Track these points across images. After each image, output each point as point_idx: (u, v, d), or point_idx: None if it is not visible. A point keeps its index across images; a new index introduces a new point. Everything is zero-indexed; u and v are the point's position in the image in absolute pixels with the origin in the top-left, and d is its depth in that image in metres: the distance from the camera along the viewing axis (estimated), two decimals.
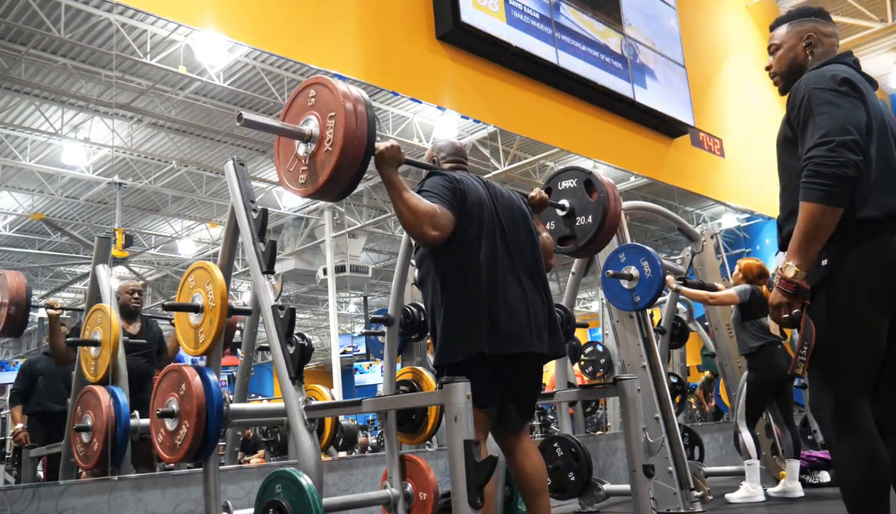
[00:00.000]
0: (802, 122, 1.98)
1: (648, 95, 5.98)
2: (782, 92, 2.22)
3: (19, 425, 4.12)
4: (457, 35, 4.54)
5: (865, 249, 1.93)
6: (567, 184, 3.06)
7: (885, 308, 1.94)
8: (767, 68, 2.28)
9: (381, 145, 2.18)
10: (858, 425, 1.88)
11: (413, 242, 3.45)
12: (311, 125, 2.16)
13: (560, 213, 3.03)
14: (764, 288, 4.44)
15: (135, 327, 4.17)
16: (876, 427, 1.96)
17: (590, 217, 2.98)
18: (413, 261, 3.62)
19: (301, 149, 2.19)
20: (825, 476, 4.64)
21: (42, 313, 4.39)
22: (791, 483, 4.25)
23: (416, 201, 2.18)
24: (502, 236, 2.37)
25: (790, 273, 1.90)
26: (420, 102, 6.44)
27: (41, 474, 4.24)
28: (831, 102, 1.93)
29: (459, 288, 2.27)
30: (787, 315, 1.93)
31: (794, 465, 4.29)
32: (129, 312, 4.17)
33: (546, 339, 2.37)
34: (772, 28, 2.28)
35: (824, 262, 1.96)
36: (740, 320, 4.48)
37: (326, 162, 2.10)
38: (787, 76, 2.19)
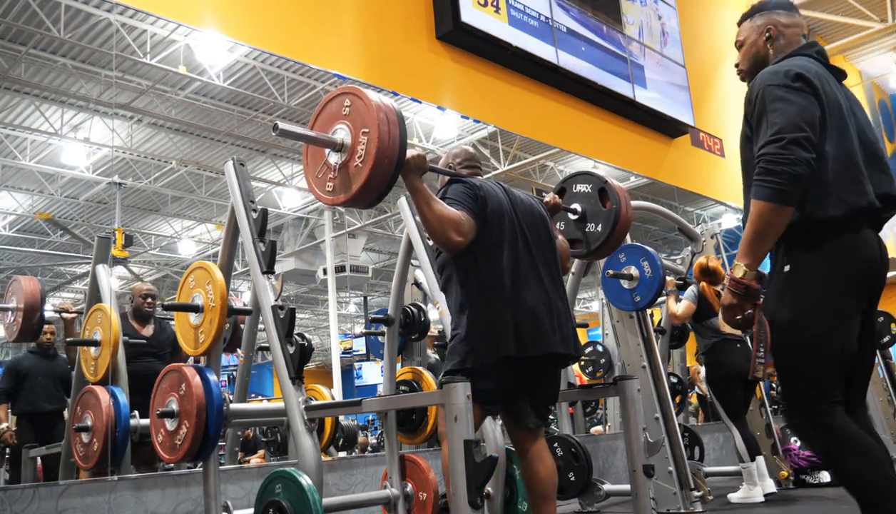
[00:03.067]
0: (757, 119, 1.94)
1: (648, 95, 5.98)
2: None
3: (4, 425, 4.11)
4: (457, 35, 4.54)
5: (828, 252, 1.86)
6: (581, 188, 3.06)
7: (853, 310, 1.88)
8: (736, 65, 2.24)
9: (406, 154, 2.19)
10: (832, 425, 1.83)
11: (419, 244, 3.46)
12: (342, 135, 2.17)
13: (572, 216, 3.03)
14: (703, 285, 4.37)
15: (148, 330, 4.18)
16: None
17: (600, 225, 2.98)
18: (413, 261, 3.64)
19: (332, 158, 2.19)
20: (825, 476, 4.64)
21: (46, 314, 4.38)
22: (763, 481, 4.20)
23: (441, 208, 2.22)
24: (524, 241, 2.40)
25: (739, 273, 1.85)
26: (420, 102, 6.44)
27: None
28: (784, 99, 1.87)
29: (482, 293, 2.30)
30: (738, 317, 1.89)
31: (761, 462, 4.25)
32: (142, 315, 4.18)
33: (570, 340, 2.40)
34: (738, 24, 2.25)
35: (787, 268, 1.90)
36: (693, 323, 4.48)
37: (357, 176, 2.11)
38: (751, 72, 2.15)
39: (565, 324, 2.39)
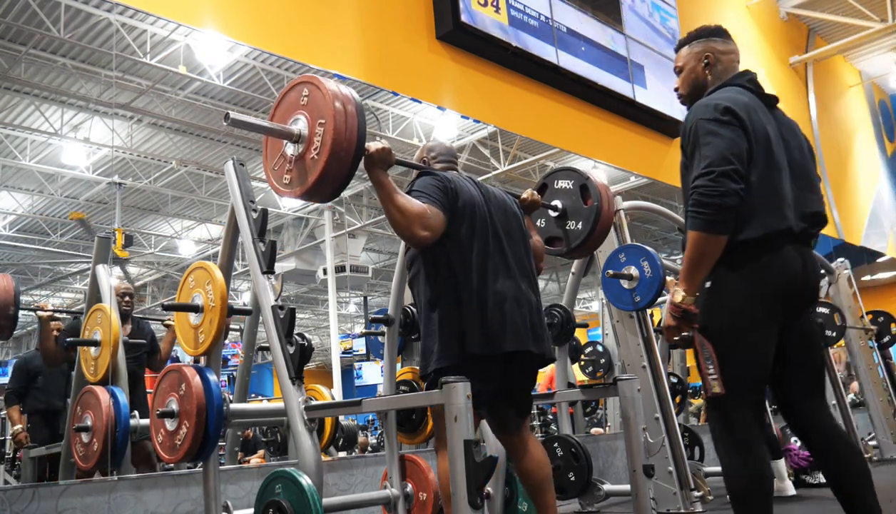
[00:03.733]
0: (691, 151, 2.07)
1: (648, 95, 5.98)
2: None
3: (18, 427, 4.08)
4: (457, 35, 4.53)
5: (747, 271, 2.01)
6: (563, 184, 3.02)
7: (770, 324, 2.03)
8: (676, 89, 2.36)
9: (370, 146, 2.14)
10: (745, 438, 1.99)
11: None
12: (300, 125, 2.13)
13: (552, 213, 2.99)
14: None
15: (126, 329, 4.15)
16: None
17: (580, 223, 2.93)
18: None
19: (289, 149, 2.15)
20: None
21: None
22: (781, 483, 4.23)
23: (405, 202, 2.16)
24: (495, 236, 2.35)
25: (678, 298, 2.00)
26: (420, 102, 6.44)
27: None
28: (714, 132, 2.00)
29: (450, 288, 2.25)
30: (677, 338, 2.05)
31: (780, 465, 4.27)
32: (120, 314, 4.15)
33: (543, 339, 2.36)
34: (676, 50, 2.36)
35: (708, 284, 2.06)
36: None
37: (312, 168, 2.07)
38: (691, 97, 2.27)
39: (538, 322, 2.35)
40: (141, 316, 4.29)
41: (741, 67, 2.30)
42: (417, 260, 2.35)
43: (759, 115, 2.12)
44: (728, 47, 2.28)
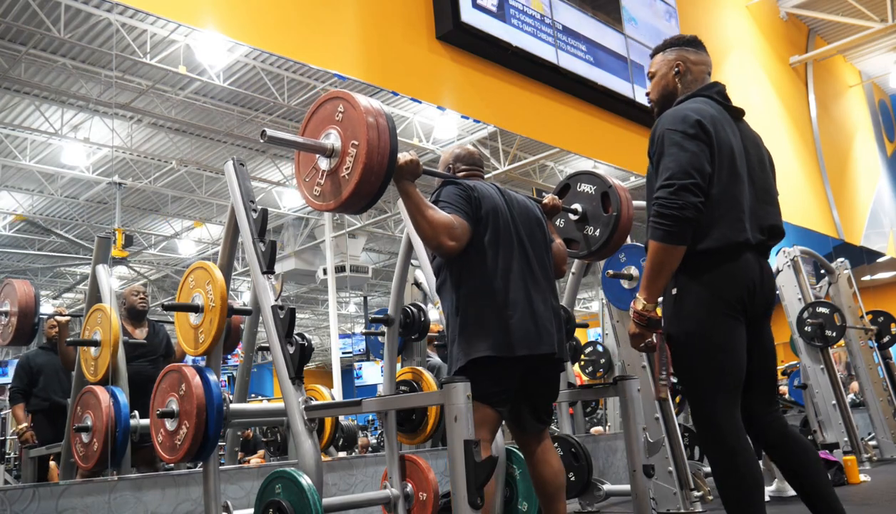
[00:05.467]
0: (657, 160, 2.11)
1: None
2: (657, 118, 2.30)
3: (24, 425, 4.07)
4: (457, 35, 4.53)
5: (708, 279, 2.06)
6: (585, 188, 3.03)
7: (735, 325, 2.07)
8: (647, 94, 2.41)
9: (400, 158, 2.16)
10: (732, 439, 2.01)
11: (419, 244, 3.46)
12: (333, 139, 2.15)
13: (572, 217, 3.01)
14: None
15: (142, 332, 4.16)
16: (757, 438, 2.16)
17: (598, 230, 2.95)
18: (413, 261, 3.64)
19: (322, 163, 2.17)
20: None
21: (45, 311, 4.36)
22: (781, 483, 4.25)
23: (433, 213, 2.19)
24: (519, 243, 2.38)
25: (640, 306, 2.07)
26: (420, 102, 6.44)
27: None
28: (679, 145, 2.04)
29: (474, 295, 2.28)
30: (643, 344, 2.11)
31: None
32: (136, 313, 4.16)
33: (562, 344, 2.39)
34: (651, 56, 2.41)
35: (674, 291, 2.13)
36: None
37: (345, 185, 2.10)
38: (661, 103, 2.34)
39: (557, 327, 2.38)
40: (156, 319, 4.28)
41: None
42: (444, 269, 2.38)
43: (725, 127, 2.14)
44: (700, 58, 2.31)
